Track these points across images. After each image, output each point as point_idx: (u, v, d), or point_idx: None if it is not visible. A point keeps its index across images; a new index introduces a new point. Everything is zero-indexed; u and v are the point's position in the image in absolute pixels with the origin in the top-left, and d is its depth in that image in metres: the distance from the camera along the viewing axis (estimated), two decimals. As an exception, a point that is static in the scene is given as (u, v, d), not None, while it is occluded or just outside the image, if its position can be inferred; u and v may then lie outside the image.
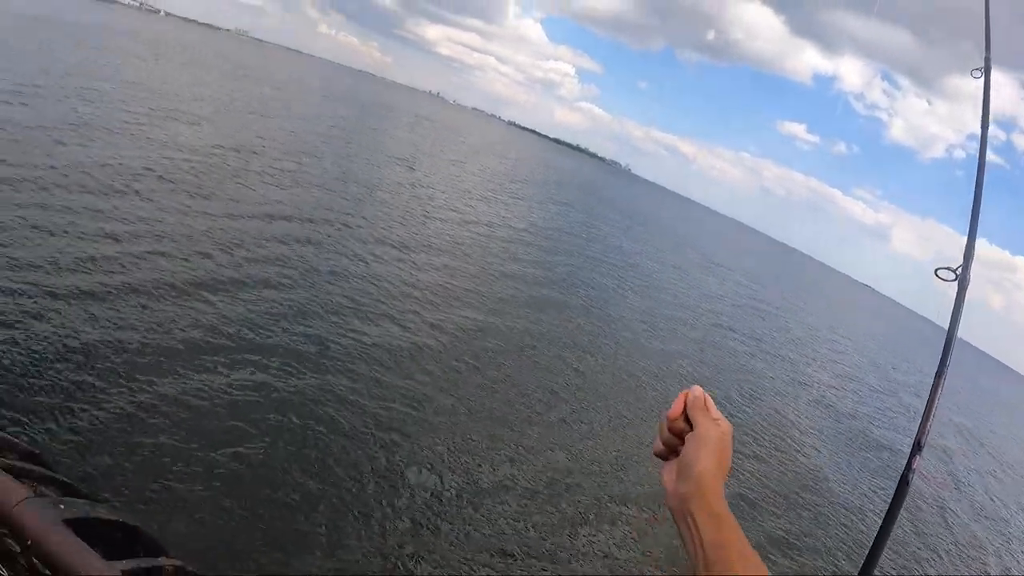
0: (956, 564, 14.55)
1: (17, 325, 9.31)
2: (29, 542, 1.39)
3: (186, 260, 13.61)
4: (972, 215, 3.56)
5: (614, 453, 12.39)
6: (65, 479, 1.98)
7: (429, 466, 9.53)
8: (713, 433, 1.12)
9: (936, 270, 3.41)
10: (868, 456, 19.25)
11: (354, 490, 8.40)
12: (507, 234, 30.48)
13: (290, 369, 10.77)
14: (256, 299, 13.06)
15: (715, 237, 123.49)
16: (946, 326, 3.63)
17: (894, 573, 12.68)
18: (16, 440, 2.06)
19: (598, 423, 13.42)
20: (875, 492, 15.98)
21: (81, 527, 1.46)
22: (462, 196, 37.51)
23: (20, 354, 8.68)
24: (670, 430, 1.19)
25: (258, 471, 8.08)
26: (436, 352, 13.61)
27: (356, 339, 12.84)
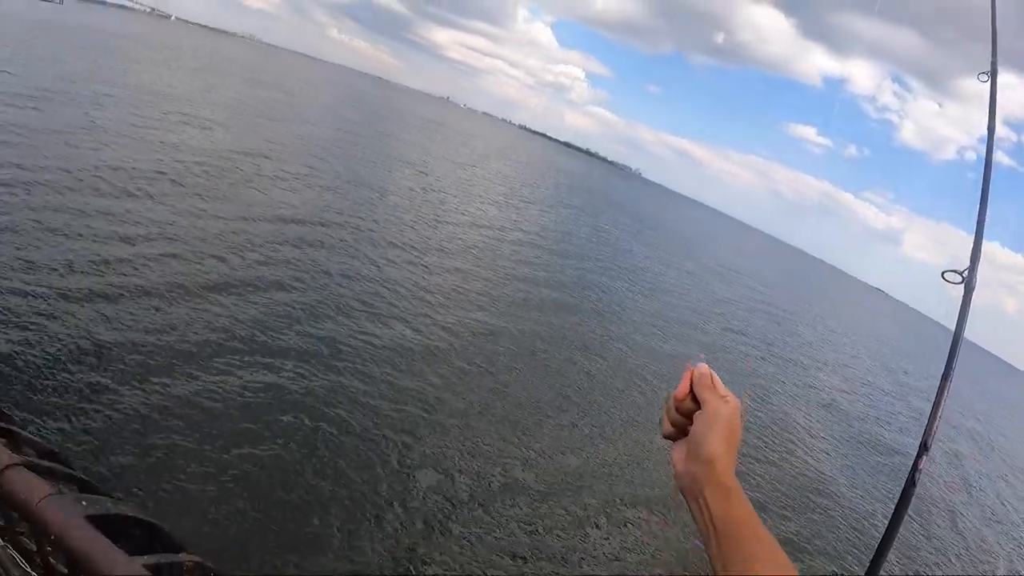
0: (967, 567, 14.51)
1: (32, 326, 9.40)
2: (52, 537, 1.42)
3: (199, 263, 13.70)
4: (978, 218, 3.58)
5: (625, 456, 12.40)
6: (85, 477, 2.01)
7: (441, 468, 9.56)
8: (723, 411, 1.11)
9: (943, 273, 3.43)
10: (880, 460, 19.19)
11: (366, 492, 8.43)
12: (518, 237, 30.50)
13: (303, 371, 10.83)
14: (269, 301, 13.13)
15: (726, 241, 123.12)
16: (964, 331, 3.64)
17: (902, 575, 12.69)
18: (35, 438, 2.10)
19: (609, 426, 13.43)
20: (885, 494, 15.96)
21: (103, 523, 1.48)
22: (473, 200, 37.58)
23: (35, 355, 8.76)
24: (678, 410, 1.19)
25: (271, 472, 8.13)
26: (448, 354, 13.65)
27: (368, 341, 12.89)
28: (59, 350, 9.07)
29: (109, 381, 8.78)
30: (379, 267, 17.81)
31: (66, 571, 1.58)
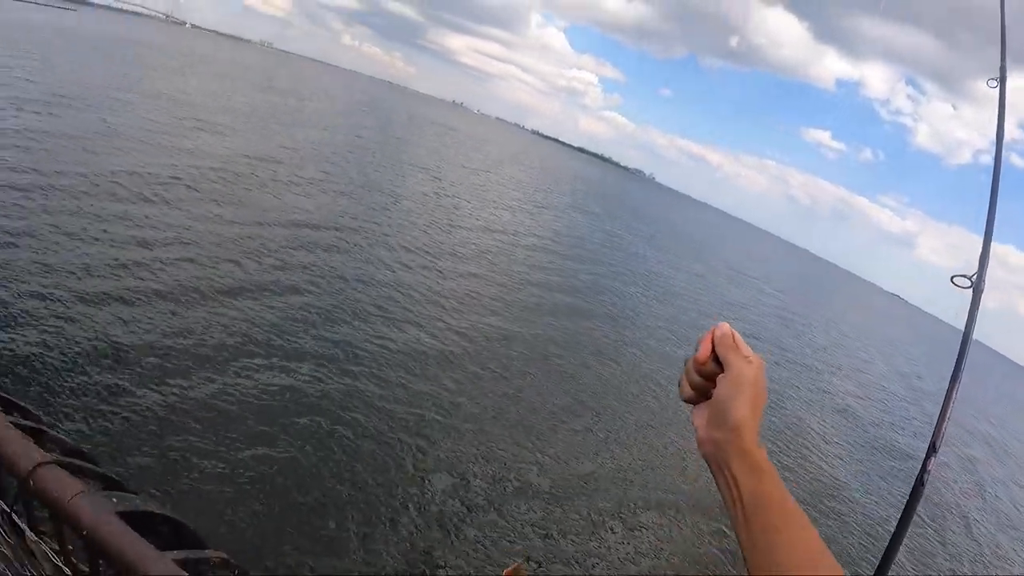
0: (982, 573, 14.44)
1: (51, 329, 9.50)
2: (84, 533, 1.46)
3: (215, 267, 13.79)
4: (987, 223, 3.58)
5: (639, 460, 12.40)
6: (111, 475, 2.06)
7: (456, 472, 9.59)
8: (747, 373, 1.06)
9: (952, 277, 3.44)
10: (893, 464, 19.09)
11: (382, 495, 8.47)
12: (532, 242, 30.51)
13: (319, 374, 10.89)
14: (284, 305, 13.21)
15: (740, 246, 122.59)
16: (972, 334, 3.65)
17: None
18: (64, 439, 2.15)
19: (623, 430, 13.42)
20: (899, 499, 15.85)
21: (133, 520, 1.52)
22: (487, 205, 37.61)
23: (53, 357, 8.86)
24: (699, 373, 1.13)
25: (288, 474, 8.18)
26: (462, 359, 13.68)
27: (383, 345, 12.94)
28: (78, 352, 9.16)
29: (127, 383, 8.86)
30: (394, 271, 17.87)
31: (87, 568, 1.62)
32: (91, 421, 7.85)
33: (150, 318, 10.81)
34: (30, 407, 2.23)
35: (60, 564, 1.66)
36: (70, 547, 1.70)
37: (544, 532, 9.07)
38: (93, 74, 37.01)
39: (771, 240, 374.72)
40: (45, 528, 1.75)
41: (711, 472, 1.08)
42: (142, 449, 7.67)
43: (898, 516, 3.13)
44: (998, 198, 3.66)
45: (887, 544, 3.11)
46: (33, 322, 9.56)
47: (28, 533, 1.57)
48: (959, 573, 13.92)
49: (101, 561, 1.56)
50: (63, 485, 1.53)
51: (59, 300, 10.36)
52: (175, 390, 9.07)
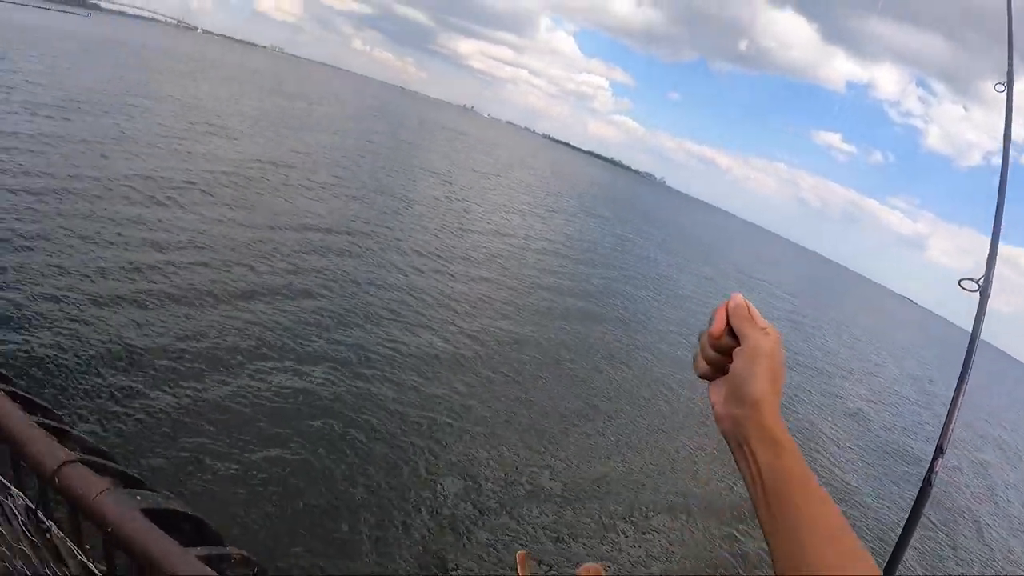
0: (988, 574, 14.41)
1: (66, 331, 9.59)
2: (109, 530, 1.49)
3: (228, 270, 13.88)
4: (994, 227, 3.60)
5: (651, 464, 12.40)
6: (132, 473, 2.11)
7: (468, 475, 9.61)
8: (765, 346, 1.01)
9: (960, 281, 3.45)
10: (906, 470, 19.01)
11: (394, 498, 8.50)
12: (543, 246, 30.54)
13: (331, 377, 10.94)
14: (297, 309, 13.28)
15: (749, 249, 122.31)
16: (985, 337, 3.66)
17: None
18: (85, 438, 2.19)
19: (635, 434, 13.43)
20: (907, 500, 15.81)
21: (156, 517, 1.56)
22: (498, 209, 37.68)
23: (67, 359, 8.95)
24: (713, 348, 1.08)
25: (300, 476, 8.22)
26: (473, 363, 13.71)
27: (395, 349, 12.99)
28: (92, 354, 9.24)
29: (141, 385, 8.93)
30: (405, 275, 17.93)
31: (105, 565, 1.66)
32: (105, 422, 7.93)
33: (164, 321, 10.89)
34: (51, 407, 2.27)
35: (85, 560, 1.70)
36: (86, 546, 1.74)
37: (555, 535, 9.09)
38: (106, 79, 37.27)
39: (781, 243, 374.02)
40: (63, 526, 1.79)
41: (730, 449, 1.04)
42: (155, 450, 7.74)
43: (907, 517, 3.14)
44: (1006, 202, 3.68)
45: (895, 543, 3.13)
46: (48, 324, 9.65)
47: (54, 529, 1.61)
48: (969, 574, 13.89)
49: (125, 558, 1.59)
50: (88, 483, 1.56)
51: (74, 303, 10.46)
52: (189, 392, 9.13)
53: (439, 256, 21.29)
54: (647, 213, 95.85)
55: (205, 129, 30.42)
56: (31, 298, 10.25)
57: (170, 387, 9.10)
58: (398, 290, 16.46)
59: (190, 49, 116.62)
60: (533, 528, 8.95)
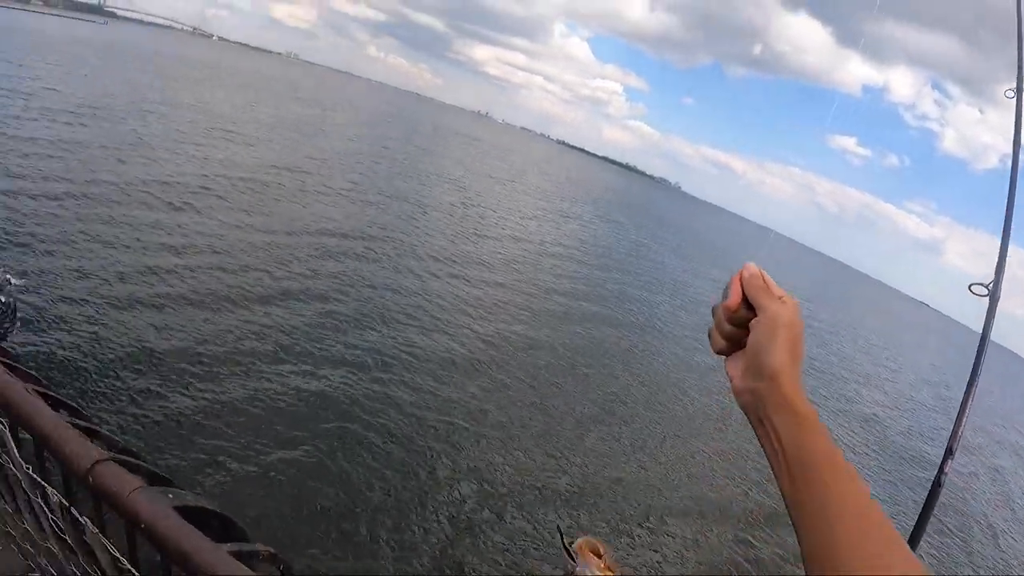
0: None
1: (85, 334, 9.71)
2: (143, 526, 1.54)
3: (246, 274, 13.99)
4: (1004, 233, 3.62)
5: (666, 468, 12.38)
6: (161, 472, 2.16)
7: (485, 479, 9.63)
8: (783, 315, 0.97)
9: (970, 286, 3.47)
10: (923, 475, 18.93)
11: (411, 501, 8.53)
12: (558, 252, 30.56)
13: (349, 380, 11.00)
14: (314, 313, 13.36)
15: (764, 254, 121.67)
16: (1002, 342, 3.68)
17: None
18: (114, 437, 2.24)
19: (650, 438, 13.40)
20: (920, 505, 15.71)
21: (187, 514, 1.60)
22: (513, 215, 37.70)
23: (87, 362, 9.06)
24: (730, 321, 1.06)
25: (318, 478, 8.26)
26: (489, 367, 13.74)
27: (412, 353, 13.04)
28: (112, 357, 9.35)
29: (160, 387, 9.02)
30: (422, 280, 18.00)
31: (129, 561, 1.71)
32: (124, 423, 8.02)
33: (182, 324, 10.99)
34: (80, 408, 2.33)
35: (118, 555, 1.75)
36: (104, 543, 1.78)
37: (570, 540, 9.10)
38: (124, 86, 37.59)
39: (797, 248, 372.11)
40: (93, 523, 1.83)
41: (751, 424, 0.98)
42: (173, 451, 7.82)
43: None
44: (1014, 210, 3.71)
45: (907, 541, 3.16)
46: (69, 327, 9.77)
47: (89, 526, 1.66)
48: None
49: (148, 554, 1.63)
50: (121, 481, 1.60)
51: (94, 306, 10.58)
52: (207, 394, 9.22)
53: (455, 261, 21.35)
54: (662, 218, 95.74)
55: (222, 135, 30.65)
56: (51, 301, 10.38)
57: (189, 389, 9.19)
58: (414, 294, 16.52)
59: (206, 56, 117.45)
60: (550, 533, 8.96)
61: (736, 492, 12.48)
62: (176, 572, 1.51)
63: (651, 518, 10.43)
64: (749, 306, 1.02)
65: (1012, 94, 3.88)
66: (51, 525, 1.85)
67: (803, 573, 0.83)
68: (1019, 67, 3.94)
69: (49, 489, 1.81)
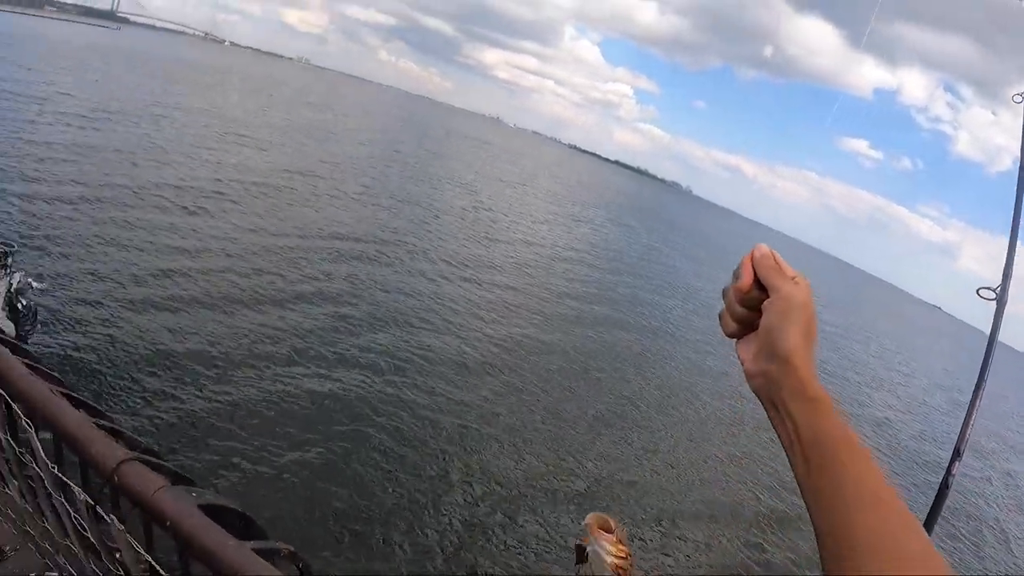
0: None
1: (100, 335, 9.78)
2: (168, 524, 1.57)
3: (259, 277, 14.07)
4: (1011, 237, 3.62)
5: (678, 472, 12.37)
6: (180, 472, 2.19)
7: (498, 481, 9.65)
8: (796, 296, 0.95)
9: (978, 290, 3.46)
10: (928, 477, 18.84)
11: (425, 502, 8.56)
12: (570, 255, 30.56)
13: (362, 382, 11.04)
14: (328, 315, 13.42)
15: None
16: (1012, 344, 3.70)
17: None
18: (136, 438, 2.27)
19: (662, 442, 13.40)
20: (928, 505, 15.64)
21: (209, 513, 1.63)
22: (525, 219, 37.72)
23: (102, 363, 9.14)
24: (741, 303, 1.02)
25: (332, 479, 8.30)
26: (502, 370, 13.75)
27: (425, 355, 13.08)
28: (126, 359, 9.43)
29: (174, 388, 9.09)
30: (434, 283, 18.03)
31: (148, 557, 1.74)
32: (139, 425, 8.08)
33: (197, 327, 11.06)
34: (102, 409, 2.37)
35: (142, 551, 1.78)
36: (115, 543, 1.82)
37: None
38: (137, 90, 37.84)
39: (809, 251, 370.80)
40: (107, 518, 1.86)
41: (764, 408, 0.96)
42: (188, 453, 7.88)
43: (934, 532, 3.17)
44: (1022, 214, 3.70)
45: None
46: (84, 329, 9.86)
47: (116, 524, 1.69)
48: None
49: (184, 551, 1.67)
50: (146, 480, 1.62)
51: (109, 308, 10.67)
52: (221, 396, 9.27)
53: (466, 265, 21.38)
54: (673, 222, 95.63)
55: (234, 139, 30.82)
56: (65, 303, 10.47)
57: (203, 391, 9.24)
58: (426, 298, 16.56)
59: (217, 61, 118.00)
60: (561, 536, 8.98)
61: (748, 496, 12.47)
62: (197, 570, 1.54)
63: (663, 521, 10.44)
64: (761, 287, 1.00)
65: (1020, 99, 3.87)
66: (74, 524, 1.89)
67: (813, 575, 0.81)
68: (1029, 72, 3.94)
69: (75, 488, 1.85)
